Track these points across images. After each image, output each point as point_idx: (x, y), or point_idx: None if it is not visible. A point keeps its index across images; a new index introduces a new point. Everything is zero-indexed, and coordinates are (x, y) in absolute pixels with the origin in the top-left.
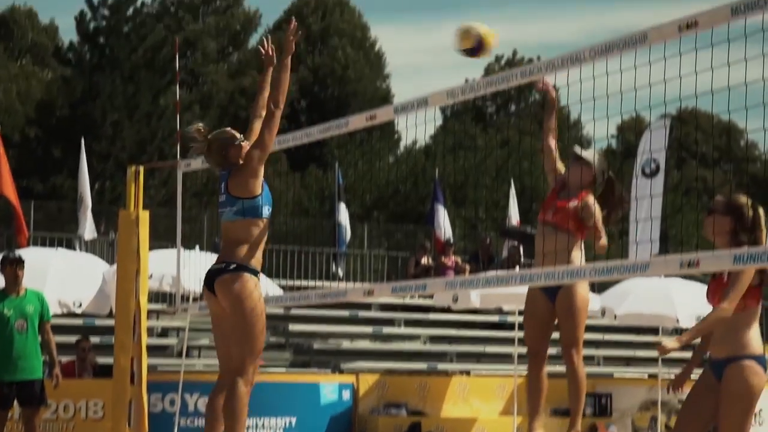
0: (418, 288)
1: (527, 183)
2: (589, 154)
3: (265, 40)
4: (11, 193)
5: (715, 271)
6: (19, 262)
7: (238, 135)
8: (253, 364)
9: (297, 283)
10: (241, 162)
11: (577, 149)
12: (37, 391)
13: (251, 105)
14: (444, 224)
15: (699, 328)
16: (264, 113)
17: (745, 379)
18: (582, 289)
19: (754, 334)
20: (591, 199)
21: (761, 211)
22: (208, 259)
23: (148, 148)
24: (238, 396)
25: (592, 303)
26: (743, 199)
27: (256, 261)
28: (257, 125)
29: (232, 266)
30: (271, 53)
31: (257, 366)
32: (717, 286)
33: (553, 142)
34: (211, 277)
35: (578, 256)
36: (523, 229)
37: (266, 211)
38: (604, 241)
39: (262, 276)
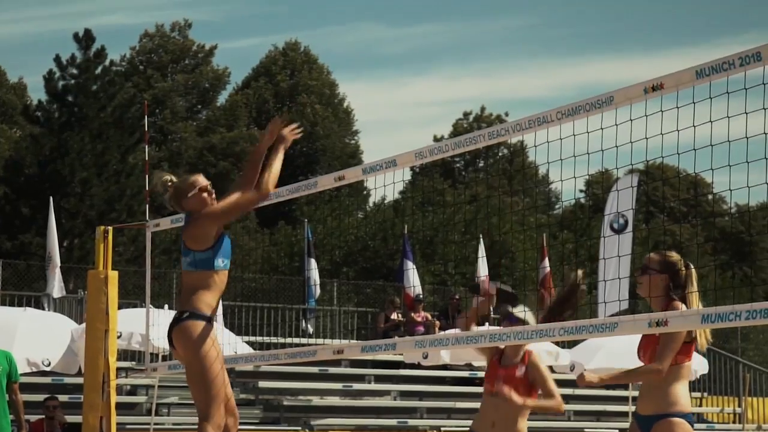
0: (388, 347)
1: (496, 238)
2: (520, 312)
3: (281, 119)
4: None
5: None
6: None
7: (198, 183)
8: (217, 406)
9: (266, 339)
10: (197, 212)
11: (508, 308)
12: None
13: (239, 177)
14: (413, 280)
15: (626, 374)
16: (247, 189)
17: None
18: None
19: (683, 390)
20: (535, 359)
21: (693, 268)
22: None
23: (116, 206)
24: None
25: (561, 358)
26: (676, 256)
27: (207, 307)
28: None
29: (185, 315)
30: (287, 133)
31: (221, 407)
32: (648, 342)
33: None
34: (169, 330)
35: (526, 421)
36: (493, 285)
37: (220, 263)
38: (560, 402)
39: (231, 334)
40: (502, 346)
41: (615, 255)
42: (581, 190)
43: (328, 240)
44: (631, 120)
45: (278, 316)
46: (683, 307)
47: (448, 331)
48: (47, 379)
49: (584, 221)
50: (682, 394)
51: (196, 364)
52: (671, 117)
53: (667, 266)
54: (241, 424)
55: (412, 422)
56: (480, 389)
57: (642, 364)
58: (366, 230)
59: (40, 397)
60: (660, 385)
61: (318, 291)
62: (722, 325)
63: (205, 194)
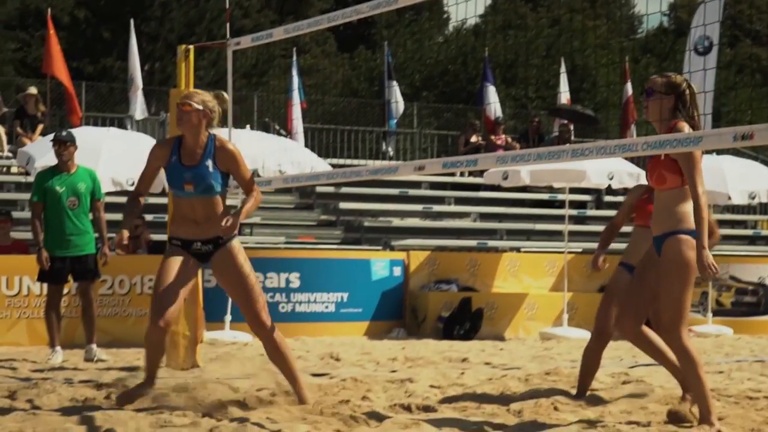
0: (469, 163)
1: (578, 62)
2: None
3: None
4: (63, 74)
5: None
6: (71, 140)
7: (191, 100)
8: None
9: (347, 162)
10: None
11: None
12: (90, 265)
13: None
14: (494, 103)
15: (702, 227)
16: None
17: (681, 251)
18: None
19: (689, 209)
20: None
21: (694, 87)
22: (259, 138)
23: (196, 29)
24: None
25: (643, 180)
26: (679, 77)
27: (172, 230)
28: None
29: None
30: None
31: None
32: (654, 165)
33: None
34: None
35: None
36: (573, 108)
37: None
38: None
39: (312, 154)
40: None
41: (701, 69)
42: (664, 14)
43: (407, 64)
44: None
45: (358, 139)
46: (687, 127)
47: (530, 149)
48: None
49: (667, 45)
50: (689, 212)
51: None
52: None
53: (672, 87)
54: (322, 244)
55: (491, 243)
56: (560, 211)
57: (652, 187)
58: (446, 54)
59: None
60: (668, 207)
61: (401, 108)
62: None
63: (195, 109)
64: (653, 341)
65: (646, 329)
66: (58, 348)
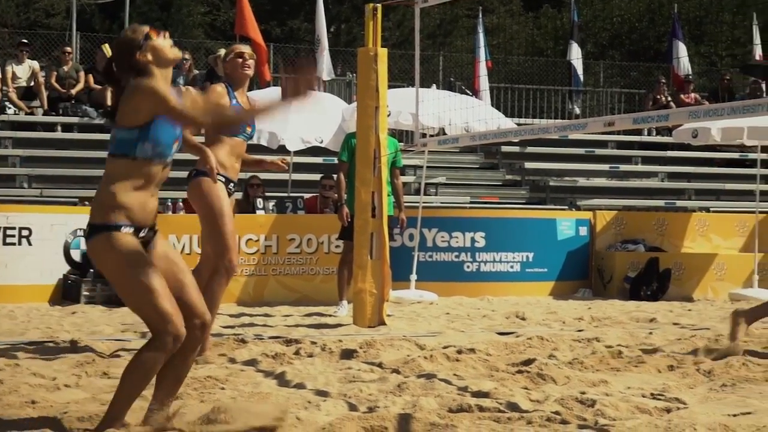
0: (660, 118)
1: None
2: None
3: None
4: (257, 34)
5: None
6: None
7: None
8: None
9: (533, 121)
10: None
11: None
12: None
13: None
14: (682, 60)
15: None
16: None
17: None
18: None
19: None
20: None
21: None
22: (444, 97)
23: None
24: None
25: None
26: None
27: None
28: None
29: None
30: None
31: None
32: None
33: None
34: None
35: None
36: (767, 65)
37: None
38: None
39: (497, 112)
40: None
41: None
42: None
43: (594, 22)
44: None
45: (544, 99)
46: None
47: (723, 104)
48: (319, 159)
49: None
50: None
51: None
52: None
53: None
54: (508, 202)
55: (680, 203)
56: (751, 170)
57: None
58: (633, 11)
59: (314, 177)
60: None
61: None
62: None
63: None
64: None
65: None
66: (344, 302)
